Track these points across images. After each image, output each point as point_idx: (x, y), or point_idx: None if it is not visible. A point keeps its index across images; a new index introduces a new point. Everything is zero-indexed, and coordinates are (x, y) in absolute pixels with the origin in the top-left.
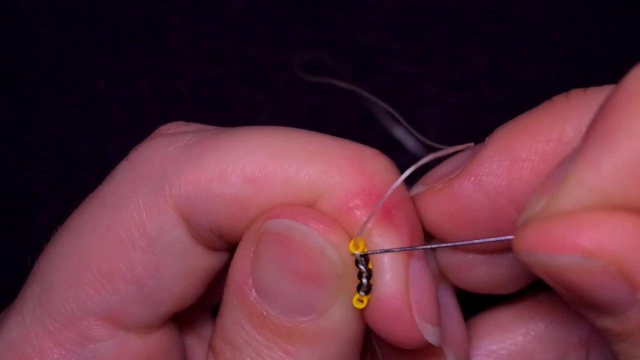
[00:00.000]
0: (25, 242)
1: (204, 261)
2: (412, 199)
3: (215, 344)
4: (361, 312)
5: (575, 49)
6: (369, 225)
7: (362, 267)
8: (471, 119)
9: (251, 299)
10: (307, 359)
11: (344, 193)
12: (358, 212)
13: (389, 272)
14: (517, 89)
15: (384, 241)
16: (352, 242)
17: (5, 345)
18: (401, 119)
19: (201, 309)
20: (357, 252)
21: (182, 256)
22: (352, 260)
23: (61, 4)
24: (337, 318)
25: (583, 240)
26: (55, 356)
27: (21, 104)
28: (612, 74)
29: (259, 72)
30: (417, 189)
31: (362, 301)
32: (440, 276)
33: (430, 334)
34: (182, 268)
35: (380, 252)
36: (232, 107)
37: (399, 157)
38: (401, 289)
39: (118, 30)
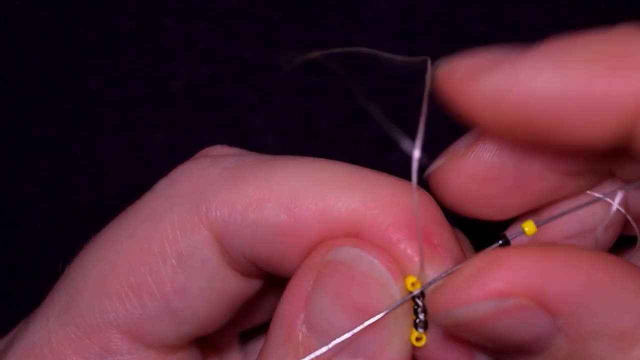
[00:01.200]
0: (18, 244)
1: (235, 286)
2: (436, 171)
3: None
4: (413, 353)
5: None
6: (415, 259)
7: (419, 302)
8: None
9: (300, 335)
10: None
11: (385, 226)
12: (402, 246)
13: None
14: None
15: (432, 273)
16: (408, 279)
17: (25, 345)
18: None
19: (228, 334)
20: (417, 290)
21: (212, 278)
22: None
23: (53, 6)
24: None
25: (492, 283)
26: None
27: (14, 106)
28: None
29: (251, 73)
30: (439, 162)
31: (420, 339)
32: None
33: None
34: (210, 290)
35: (435, 282)
36: (226, 107)
37: (393, 156)
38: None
39: (110, 32)
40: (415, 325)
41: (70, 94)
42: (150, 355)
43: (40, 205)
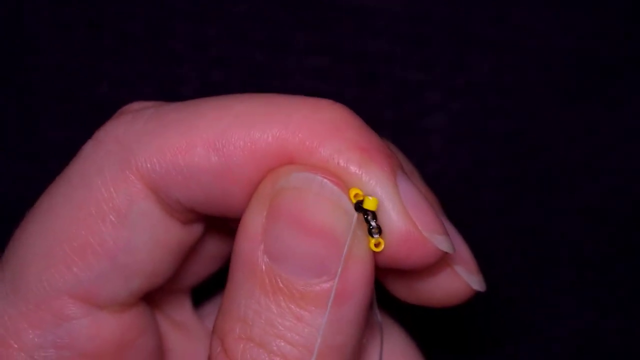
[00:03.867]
0: None
1: (177, 234)
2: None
3: (223, 325)
4: (374, 259)
5: (578, 55)
6: (353, 170)
7: (368, 211)
8: (474, 126)
9: (263, 266)
10: (321, 324)
11: (314, 146)
12: (337, 161)
13: (388, 204)
14: (520, 96)
15: (372, 179)
16: (351, 191)
17: None
18: None
19: (177, 293)
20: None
21: (153, 229)
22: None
23: (64, 10)
24: (353, 277)
25: None
26: (31, 336)
27: (24, 109)
28: (615, 82)
29: (262, 78)
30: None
31: (378, 244)
32: (430, 196)
33: (442, 243)
34: (154, 242)
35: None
36: None
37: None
38: (404, 215)
39: (122, 36)
40: (370, 233)
41: (80, 97)
42: (104, 315)
43: None
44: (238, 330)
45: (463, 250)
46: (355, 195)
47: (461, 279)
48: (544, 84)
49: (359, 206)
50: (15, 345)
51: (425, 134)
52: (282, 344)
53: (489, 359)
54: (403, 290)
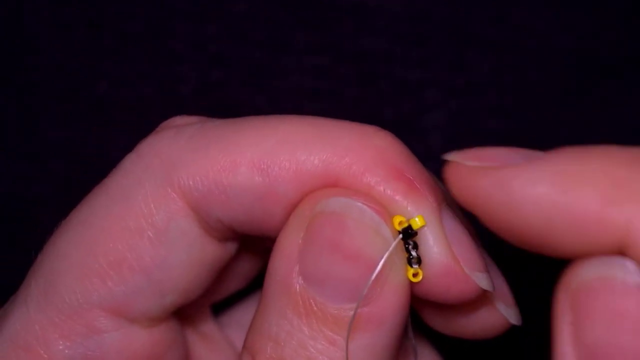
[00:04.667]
0: (28, 246)
1: (213, 252)
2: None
3: (254, 343)
4: (411, 289)
5: (577, 54)
6: (397, 199)
7: (410, 240)
8: (474, 125)
9: (297, 287)
10: (353, 348)
11: (361, 172)
12: (382, 188)
13: (430, 237)
14: (519, 95)
15: (417, 210)
16: (395, 219)
17: (8, 337)
18: None
19: (201, 305)
20: (405, 227)
21: (190, 247)
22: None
23: (63, 8)
24: (386, 303)
25: None
26: (60, 347)
27: (24, 108)
28: (614, 82)
29: (262, 77)
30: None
31: (417, 274)
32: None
33: (482, 281)
34: (190, 259)
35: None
36: (236, 111)
37: None
38: (446, 249)
39: (121, 35)
40: (410, 262)
41: (80, 96)
42: (135, 329)
43: (50, 206)
44: (269, 350)
45: (500, 283)
46: (400, 223)
47: (498, 313)
48: (544, 83)
49: (404, 232)
50: (45, 355)
51: (424, 134)
52: None
53: None
54: (439, 322)
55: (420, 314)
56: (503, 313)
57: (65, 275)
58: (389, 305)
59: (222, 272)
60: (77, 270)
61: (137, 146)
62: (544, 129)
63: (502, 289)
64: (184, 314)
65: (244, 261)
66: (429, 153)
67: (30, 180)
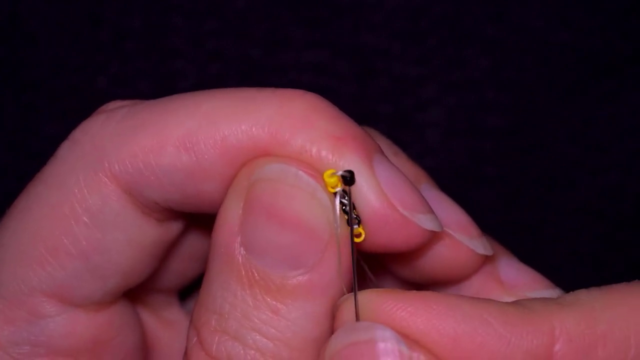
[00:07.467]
0: None
1: (153, 233)
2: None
3: (199, 317)
4: (356, 249)
5: (575, 52)
6: (326, 158)
7: (346, 201)
8: (472, 120)
9: (240, 258)
10: (297, 317)
11: (286, 138)
12: (310, 149)
13: (364, 186)
14: (518, 92)
15: (347, 165)
16: (326, 173)
17: None
18: None
19: (166, 292)
20: (339, 188)
21: (127, 230)
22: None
23: (62, 6)
24: (328, 271)
25: None
26: (5, 333)
27: (22, 105)
28: (612, 77)
29: (259, 73)
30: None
31: (359, 235)
32: (419, 174)
33: (427, 222)
34: (128, 241)
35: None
36: None
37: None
38: (380, 195)
39: (119, 31)
40: (349, 223)
41: (78, 92)
42: (79, 313)
43: None
44: (214, 322)
45: (460, 217)
46: (333, 186)
47: (464, 246)
48: (542, 80)
49: (340, 193)
50: None
51: (422, 129)
52: (258, 337)
53: None
54: (406, 271)
55: (386, 267)
56: (468, 245)
57: (7, 263)
58: (330, 272)
59: (174, 254)
60: (17, 257)
61: (71, 133)
62: (541, 126)
63: (462, 221)
64: (148, 302)
65: (198, 244)
66: (427, 148)
67: (27, 178)
